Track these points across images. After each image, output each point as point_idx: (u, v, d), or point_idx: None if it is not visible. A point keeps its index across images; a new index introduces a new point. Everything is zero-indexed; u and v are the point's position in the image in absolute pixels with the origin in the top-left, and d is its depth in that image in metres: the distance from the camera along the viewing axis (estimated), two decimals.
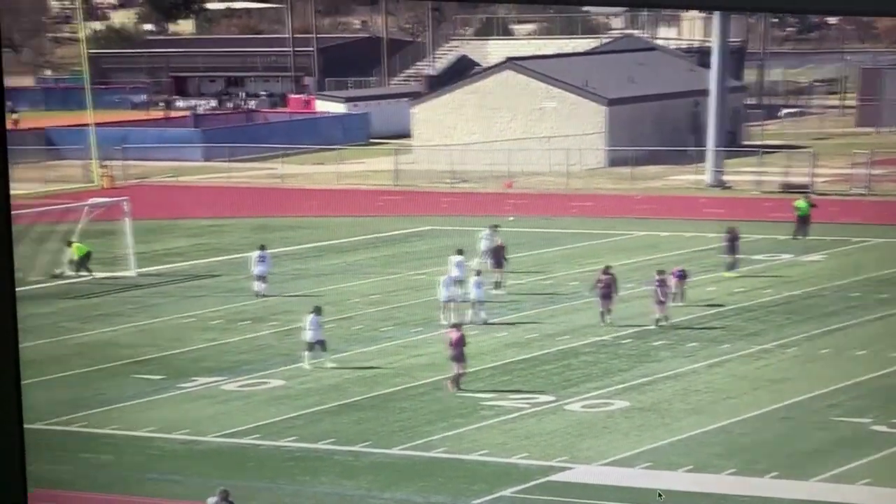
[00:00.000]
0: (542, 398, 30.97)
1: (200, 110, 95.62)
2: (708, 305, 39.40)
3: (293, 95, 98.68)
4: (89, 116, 67.55)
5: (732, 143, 70.11)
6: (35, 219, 48.70)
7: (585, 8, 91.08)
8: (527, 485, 25.52)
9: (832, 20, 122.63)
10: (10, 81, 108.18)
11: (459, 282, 38.85)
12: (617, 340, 35.92)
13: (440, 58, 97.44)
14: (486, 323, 37.49)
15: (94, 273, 45.13)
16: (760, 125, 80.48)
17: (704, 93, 67.56)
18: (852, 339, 35.47)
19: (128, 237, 46.69)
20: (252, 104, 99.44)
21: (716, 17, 67.82)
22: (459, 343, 31.88)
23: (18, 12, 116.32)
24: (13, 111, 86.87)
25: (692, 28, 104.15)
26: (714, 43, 67.84)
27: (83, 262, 45.20)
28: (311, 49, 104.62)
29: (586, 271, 42.55)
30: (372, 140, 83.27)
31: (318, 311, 34.47)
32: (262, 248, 42.84)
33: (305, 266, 46.83)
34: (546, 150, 69.14)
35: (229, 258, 47.86)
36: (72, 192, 60.63)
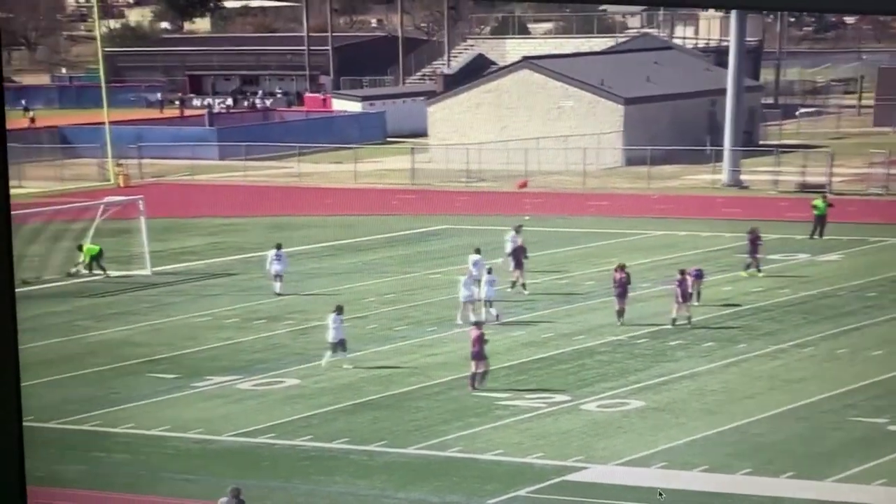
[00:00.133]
0: (558, 398, 30.93)
1: (216, 109, 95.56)
2: (724, 305, 39.32)
3: (310, 94, 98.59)
4: (105, 115, 67.62)
5: (749, 143, 69.95)
6: (51, 217, 48.76)
7: (602, 7, 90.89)
8: (542, 484, 25.48)
9: (849, 19, 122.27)
10: (25, 79, 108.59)
11: (478, 281, 38.85)
12: (633, 340, 35.85)
13: (456, 57, 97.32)
14: (497, 320, 37.45)
15: (108, 272, 45.16)
16: (777, 125, 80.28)
17: (721, 92, 67.32)
18: (869, 339, 35.35)
19: (143, 236, 46.67)
20: (268, 102, 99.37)
21: (733, 17, 67.63)
22: (478, 341, 31.90)
23: (34, 10, 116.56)
24: (27, 109, 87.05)
25: (709, 27, 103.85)
26: (731, 42, 67.69)
27: (96, 262, 45.21)
28: (326, 48, 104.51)
29: (602, 271, 42.48)
30: (388, 139, 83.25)
31: (339, 310, 34.43)
32: (279, 246, 42.86)
33: (321, 265, 46.81)
34: (562, 150, 69.03)
35: (245, 257, 47.86)
36: (88, 190, 60.67)
